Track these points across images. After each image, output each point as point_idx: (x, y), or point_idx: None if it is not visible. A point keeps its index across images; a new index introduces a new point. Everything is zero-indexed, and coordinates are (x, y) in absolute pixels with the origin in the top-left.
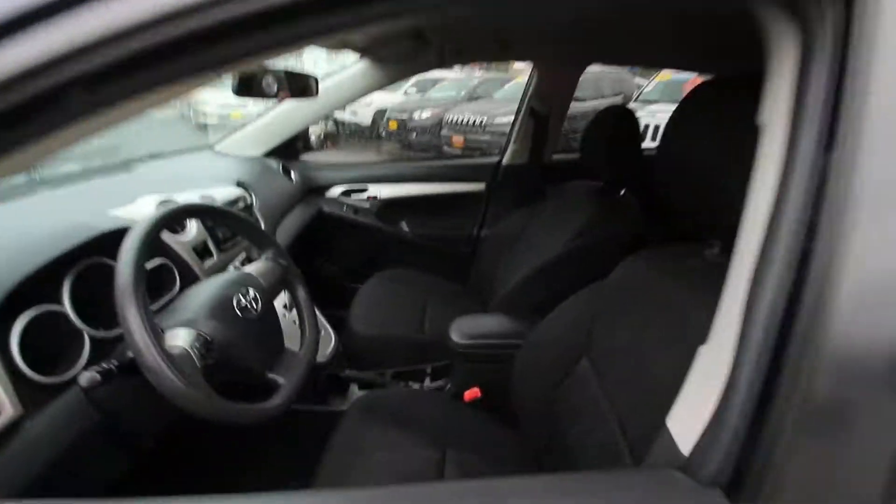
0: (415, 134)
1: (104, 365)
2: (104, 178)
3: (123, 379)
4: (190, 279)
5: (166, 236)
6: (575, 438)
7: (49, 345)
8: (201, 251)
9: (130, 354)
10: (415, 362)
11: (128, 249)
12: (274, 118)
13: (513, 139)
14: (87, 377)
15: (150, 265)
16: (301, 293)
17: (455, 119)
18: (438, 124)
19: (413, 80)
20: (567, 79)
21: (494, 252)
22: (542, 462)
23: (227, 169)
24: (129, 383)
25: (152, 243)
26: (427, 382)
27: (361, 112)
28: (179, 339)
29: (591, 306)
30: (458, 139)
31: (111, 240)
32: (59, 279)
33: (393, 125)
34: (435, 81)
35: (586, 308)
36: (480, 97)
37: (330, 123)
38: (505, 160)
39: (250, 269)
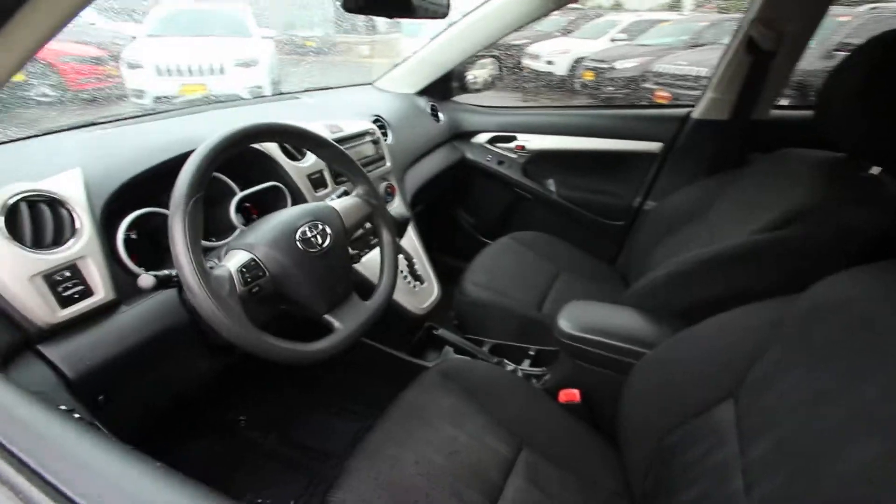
0: (611, 86)
1: (167, 271)
2: (265, 104)
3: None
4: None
5: (284, 161)
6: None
7: (155, 245)
8: (317, 180)
9: None
10: (521, 340)
11: (190, 162)
12: (427, 55)
13: (712, 85)
14: (145, 279)
15: (262, 185)
16: (386, 238)
17: (664, 70)
18: (642, 76)
19: (628, 22)
20: (810, 4)
21: (657, 230)
22: None
23: (369, 104)
24: None
25: (218, 161)
26: (525, 366)
27: (558, 61)
28: (233, 260)
29: (763, 330)
30: (663, 94)
31: None
32: (170, 188)
33: (588, 75)
34: (651, 24)
35: (754, 331)
36: (706, 44)
37: (514, 69)
38: (696, 113)
39: (336, 203)
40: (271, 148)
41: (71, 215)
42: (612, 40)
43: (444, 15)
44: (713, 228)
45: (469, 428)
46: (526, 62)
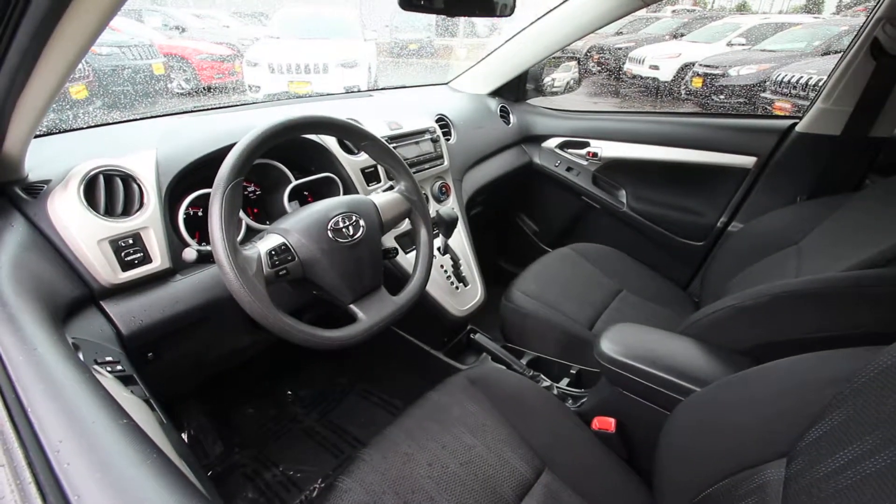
0: (722, 95)
1: (209, 248)
2: (340, 100)
3: None
4: None
5: (340, 154)
6: None
7: None
8: (370, 174)
9: None
10: (562, 357)
11: (236, 148)
12: (501, 56)
13: (824, 94)
14: (189, 252)
15: (317, 176)
16: (423, 236)
17: (788, 78)
18: (761, 84)
19: (749, 25)
20: None
21: (740, 255)
22: None
23: (437, 102)
24: None
25: (264, 147)
26: (563, 384)
27: (664, 65)
28: (265, 242)
29: (836, 384)
30: (783, 105)
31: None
32: None
33: (697, 82)
34: (778, 27)
35: (826, 383)
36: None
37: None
38: (802, 126)
39: (376, 197)
40: (329, 141)
41: (140, 190)
42: (730, 44)
43: (509, 13)
44: (805, 258)
45: (488, 439)
46: (628, 66)
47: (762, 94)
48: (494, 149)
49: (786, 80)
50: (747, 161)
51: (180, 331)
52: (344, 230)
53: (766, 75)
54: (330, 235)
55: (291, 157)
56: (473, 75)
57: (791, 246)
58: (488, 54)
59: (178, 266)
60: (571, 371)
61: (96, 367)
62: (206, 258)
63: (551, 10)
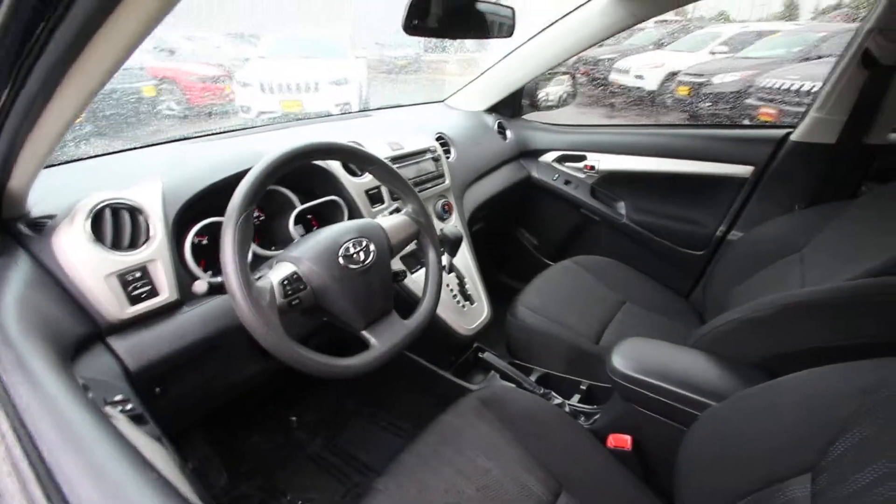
0: (708, 102)
1: (220, 279)
2: (338, 122)
3: None
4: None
5: (344, 177)
6: None
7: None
8: (374, 196)
9: None
10: (571, 372)
11: (248, 177)
12: (497, 72)
13: (818, 103)
14: (199, 284)
15: (322, 199)
16: (432, 257)
17: (771, 84)
18: (745, 91)
19: (730, 34)
20: None
21: (742, 263)
22: None
23: (435, 121)
24: None
25: (275, 176)
26: (574, 401)
27: (649, 75)
28: (277, 272)
29: (858, 397)
30: (768, 111)
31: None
32: None
33: (682, 91)
34: (758, 35)
35: (847, 396)
36: (822, 56)
37: (599, 84)
38: (797, 135)
39: (383, 220)
40: (333, 164)
41: (147, 222)
42: (712, 53)
43: (509, 34)
44: (808, 267)
45: (503, 461)
46: (613, 77)
47: (747, 101)
48: (493, 165)
49: (769, 86)
50: (744, 170)
51: (188, 363)
52: (355, 256)
53: (749, 82)
54: (341, 262)
55: (295, 182)
56: (469, 92)
57: (793, 254)
58: (484, 71)
59: (185, 297)
60: (581, 387)
61: (108, 408)
62: (217, 290)
63: (545, 28)
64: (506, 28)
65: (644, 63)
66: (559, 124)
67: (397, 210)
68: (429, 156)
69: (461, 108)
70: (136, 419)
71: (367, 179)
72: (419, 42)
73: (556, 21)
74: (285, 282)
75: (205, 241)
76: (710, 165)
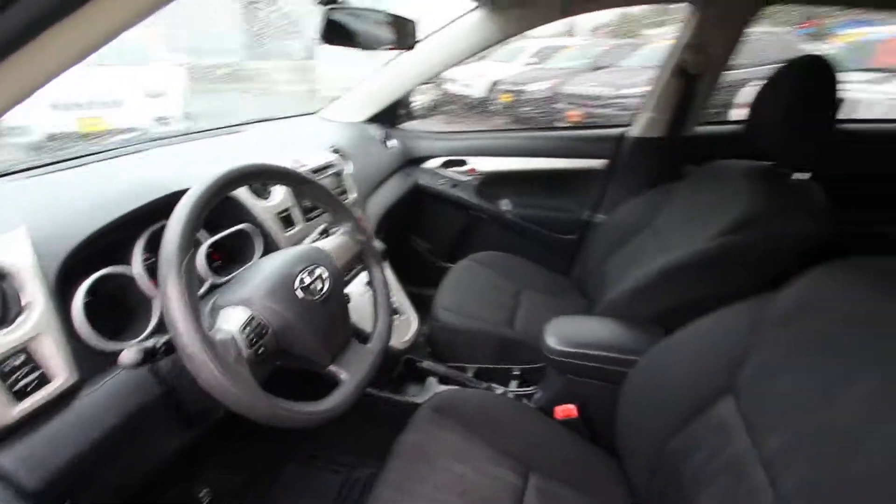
0: (528, 107)
1: (149, 344)
2: (208, 139)
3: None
4: (272, 248)
5: (250, 201)
6: None
7: (117, 310)
8: (285, 219)
9: None
10: (501, 361)
11: (179, 213)
12: (376, 82)
13: (649, 105)
14: (127, 356)
15: (231, 229)
16: (377, 275)
17: (572, 91)
18: (554, 97)
19: (536, 48)
20: (731, 29)
21: (607, 242)
22: None
23: (324, 134)
24: None
25: (209, 208)
26: (513, 386)
27: (476, 84)
28: (231, 320)
29: (748, 330)
30: (574, 114)
31: None
32: (132, 241)
33: (506, 98)
34: (557, 49)
35: (738, 331)
36: (604, 67)
37: (439, 94)
38: (635, 131)
39: (325, 244)
40: (237, 189)
41: (17, 288)
42: (526, 64)
43: (410, 47)
44: (663, 237)
45: (475, 462)
46: (445, 86)
47: (555, 105)
48: (385, 175)
49: (570, 92)
50: (600, 163)
51: (100, 459)
52: (312, 287)
53: (557, 89)
54: (300, 295)
55: None
56: (346, 104)
57: (649, 227)
58: (360, 83)
59: (84, 374)
60: (514, 372)
61: None
62: (151, 356)
63: (423, 40)
64: (410, 39)
65: (469, 73)
66: (437, 132)
67: (325, 231)
68: (330, 171)
69: (339, 120)
70: None
71: (277, 201)
72: (243, 47)
73: (431, 35)
74: (245, 329)
75: (86, 300)
76: (572, 161)
